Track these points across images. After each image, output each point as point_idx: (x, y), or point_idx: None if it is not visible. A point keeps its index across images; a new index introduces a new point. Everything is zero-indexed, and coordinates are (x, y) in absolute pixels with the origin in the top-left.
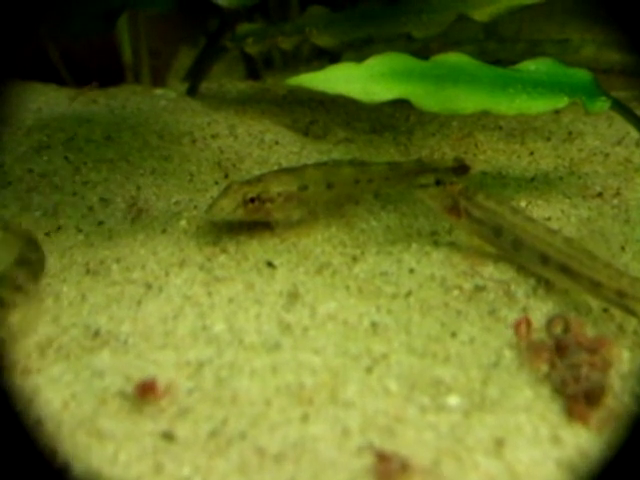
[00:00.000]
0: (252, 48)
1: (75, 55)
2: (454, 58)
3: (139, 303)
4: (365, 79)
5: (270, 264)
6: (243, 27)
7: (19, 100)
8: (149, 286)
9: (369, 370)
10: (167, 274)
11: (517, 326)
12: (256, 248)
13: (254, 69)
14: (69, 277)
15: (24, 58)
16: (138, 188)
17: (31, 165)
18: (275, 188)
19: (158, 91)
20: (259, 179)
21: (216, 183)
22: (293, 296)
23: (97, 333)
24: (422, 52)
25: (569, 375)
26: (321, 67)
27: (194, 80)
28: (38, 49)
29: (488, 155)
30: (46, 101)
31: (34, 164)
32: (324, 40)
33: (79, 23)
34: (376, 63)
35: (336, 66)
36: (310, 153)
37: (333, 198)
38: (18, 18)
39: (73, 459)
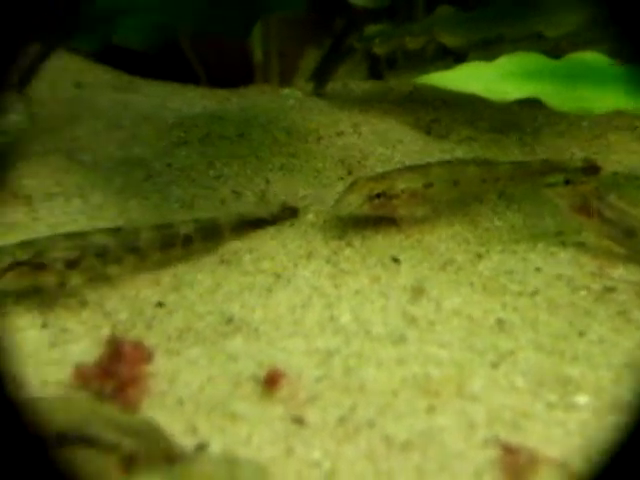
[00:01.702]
0: (380, 48)
1: (209, 57)
2: (587, 57)
3: (269, 292)
4: (496, 78)
5: (395, 259)
6: (371, 28)
7: (162, 100)
8: (278, 276)
9: (495, 365)
10: (295, 265)
11: None
12: (381, 243)
13: (377, 69)
14: (205, 266)
15: (167, 61)
16: (267, 182)
17: (170, 160)
18: (400, 185)
19: (285, 91)
20: (385, 176)
21: (340, 179)
22: (418, 291)
23: (231, 320)
24: (552, 52)
25: None
26: (445, 67)
27: (320, 80)
28: (177, 52)
29: (621, 156)
30: (184, 100)
31: (173, 159)
32: (452, 40)
33: (220, 26)
34: (507, 62)
35: (466, 65)
36: (433, 152)
37: (457, 196)
38: None
39: (210, 439)
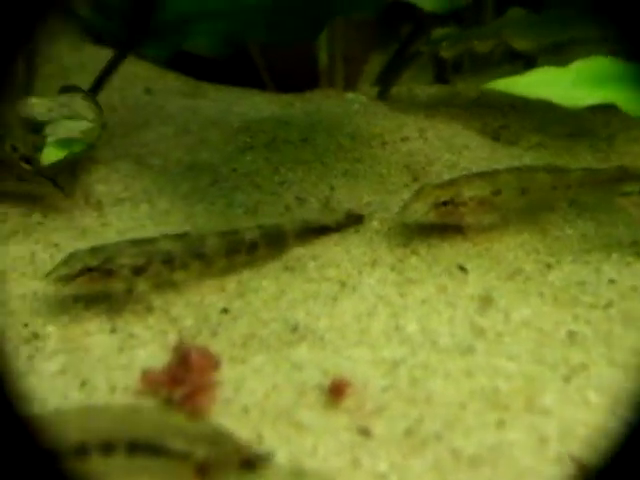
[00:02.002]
0: (447, 52)
1: (276, 62)
2: None
3: (334, 300)
4: (568, 84)
5: (462, 268)
6: (438, 31)
7: (229, 105)
8: (343, 284)
9: (567, 379)
10: (360, 273)
11: None
12: (447, 251)
13: (442, 73)
14: (269, 273)
15: (234, 66)
16: (331, 189)
17: (236, 165)
18: (468, 192)
19: (350, 95)
20: (452, 183)
21: (406, 186)
22: (486, 301)
23: (295, 328)
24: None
25: None
26: (514, 71)
27: (385, 84)
28: (244, 57)
29: None
30: (251, 105)
31: (238, 164)
32: (523, 43)
33: (288, 31)
34: (580, 67)
35: (537, 70)
36: (501, 158)
37: (527, 204)
38: None
39: (276, 448)
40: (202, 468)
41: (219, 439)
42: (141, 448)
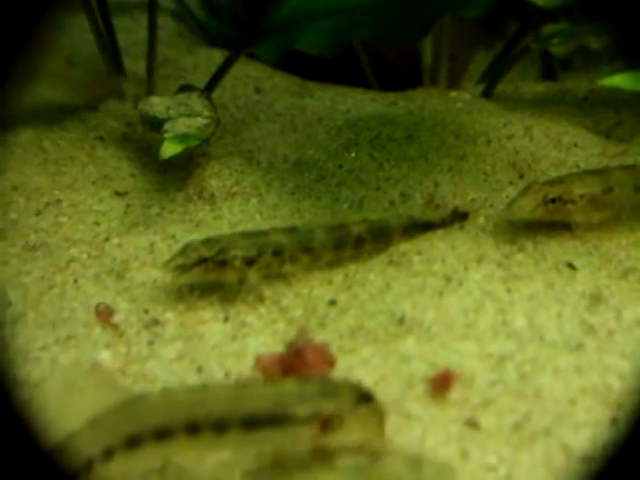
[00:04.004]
0: (558, 49)
1: (379, 60)
2: None
3: (440, 294)
4: None
5: (570, 265)
6: (549, 27)
7: (334, 103)
8: (449, 279)
9: None
10: (466, 269)
11: None
12: (555, 248)
13: (551, 70)
14: (374, 266)
15: (339, 65)
16: (436, 185)
17: (341, 161)
18: (578, 189)
19: (453, 93)
20: (561, 180)
21: (511, 183)
22: (596, 298)
23: (402, 320)
24: None
25: None
26: (627, 67)
27: (490, 82)
28: (349, 55)
29: None
30: (354, 103)
31: (344, 160)
32: None
33: (396, 29)
34: None
35: None
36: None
37: None
38: None
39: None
40: (326, 423)
41: (335, 390)
42: (258, 422)
